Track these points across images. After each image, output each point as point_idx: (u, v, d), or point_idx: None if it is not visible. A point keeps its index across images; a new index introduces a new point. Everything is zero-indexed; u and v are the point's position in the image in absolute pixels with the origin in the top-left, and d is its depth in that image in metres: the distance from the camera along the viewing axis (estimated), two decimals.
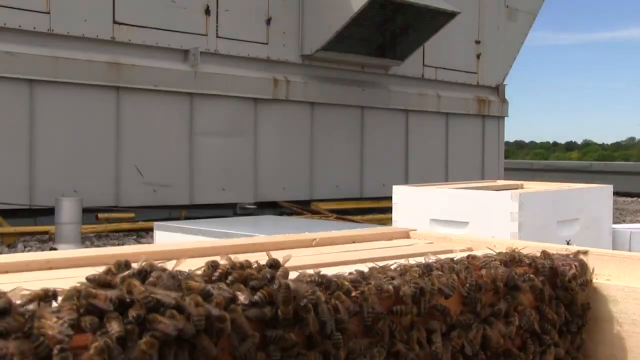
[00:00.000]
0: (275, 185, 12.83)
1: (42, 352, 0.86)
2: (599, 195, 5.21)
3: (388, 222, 8.06)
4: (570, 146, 64.86)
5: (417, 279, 1.34)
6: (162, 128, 11.48)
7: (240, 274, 1.14)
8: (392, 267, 1.40)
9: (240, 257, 1.23)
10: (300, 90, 13.14)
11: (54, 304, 0.96)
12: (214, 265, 1.17)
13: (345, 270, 1.35)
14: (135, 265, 1.09)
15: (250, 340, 1.07)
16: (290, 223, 6.69)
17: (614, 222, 6.03)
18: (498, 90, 17.11)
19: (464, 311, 1.43)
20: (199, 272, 1.15)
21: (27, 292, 0.97)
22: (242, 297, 1.09)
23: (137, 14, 11.15)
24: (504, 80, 17.34)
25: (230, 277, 1.14)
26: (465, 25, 15.42)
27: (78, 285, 0.99)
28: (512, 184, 5.77)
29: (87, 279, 1.03)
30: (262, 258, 1.23)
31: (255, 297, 1.10)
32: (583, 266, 1.70)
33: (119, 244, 9.73)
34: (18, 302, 0.94)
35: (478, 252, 1.65)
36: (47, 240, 9.86)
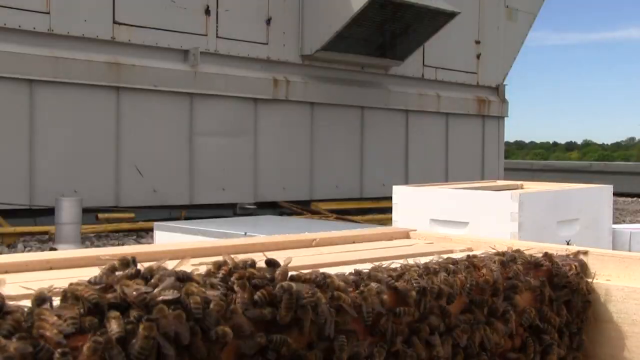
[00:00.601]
0: (275, 185, 12.83)
1: (44, 356, 0.87)
2: (599, 195, 5.21)
3: (388, 222, 8.06)
4: (570, 146, 64.86)
5: (417, 279, 1.34)
6: (162, 128, 11.48)
7: (242, 274, 1.14)
8: (392, 267, 1.40)
9: (241, 257, 1.23)
10: (300, 90, 13.14)
11: (55, 304, 0.96)
12: (217, 265, 1.17)
13: (345, 270, 1.35)
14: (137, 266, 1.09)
15: (257, 340, 1.08)
16: (290, 223, 6.69)
17: (614, 222, 6.03)
18: (498, 90, 17.11)
19: (464, 311, 1.43)
20: (201, 272, 1.16)
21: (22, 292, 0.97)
22: (240, 299, 1.09)
23: (137, 14, 11.15)
24: (504, 80, 17.35)
25: (232, 277, 1.14)
26: (465, 25, 15.42)
27: (68, 286, 0.99)
28: (512, 184, 5.77)
29: (89, 281, 1.03)
30: (261, 258, 1.23)
31: (255, 297, 1.10)
32: (583, 266, 1.70)
33: (119, 244, 9.73)
34: (21, 302, 0.94)
35: (478, 252, 1.65)
36: (47, 240, 9.86)
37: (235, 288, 1.10)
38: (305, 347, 1.15)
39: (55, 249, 8.18)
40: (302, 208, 12.84)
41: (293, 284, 1.14)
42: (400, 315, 1.29)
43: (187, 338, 0.98)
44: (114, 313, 0.95)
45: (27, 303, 0.94)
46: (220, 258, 1.20)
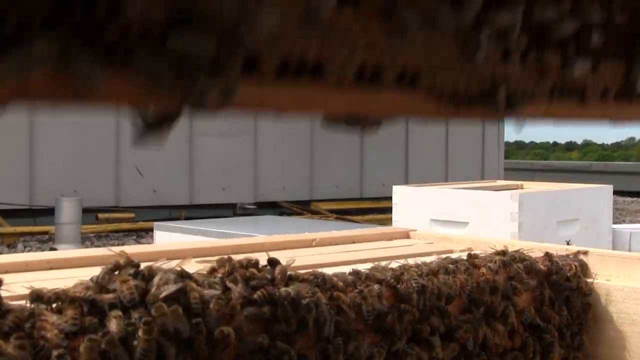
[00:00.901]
0: (275, 185, 12.83)
1: (43, 357, 0.87)
2: (599, 195, 5.21)
3: (388, 222, 8.06)
4: (570, 146, 64.78)
5: (417, 279, 1.34)
6: None
7: (242, 274, 1.14)
8: (392, 267, 1.40)
9: (242, 257, 1.23)
10: None
11: (54, 305, 0.96)
12: (218, 265, 1.17)
13: (345, 270, 1.35)
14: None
15: (258, 340, 1.08)
16: (290, 223, 6.70)
17: (614, 222, 6.03)
18: None
19: (464, 311, 1.43)
20: (202, 271, 1.16)
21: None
22: (235, 294, 1.09)
23: None
24: None
25: (232, 277, 1.14)
26: None
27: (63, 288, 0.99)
28: (512, 184, 5.77)
29: (90, 280, 1.03)
30: (262, 258, 1.23)
31: (255, 297, 1.10)
32: (583, 266, 1.70)
33: (119, 244, 9.73)
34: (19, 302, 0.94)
35: (478, 252, 1.65)
36: (47, 240, 9.86)
37: (228, 284, 1.10)
38: (306, 347, 1.15)
39: (55, 249, 8.19)
40: (302, 208, 12.84)
41: (291, 290, 1.13)
42: (403, 313, 1.29)
43: (187, 331, 0.98)
44: (116, 312, 0.95)
45: (27, 303, 0.95)
46: (221, 258, 1.20)
